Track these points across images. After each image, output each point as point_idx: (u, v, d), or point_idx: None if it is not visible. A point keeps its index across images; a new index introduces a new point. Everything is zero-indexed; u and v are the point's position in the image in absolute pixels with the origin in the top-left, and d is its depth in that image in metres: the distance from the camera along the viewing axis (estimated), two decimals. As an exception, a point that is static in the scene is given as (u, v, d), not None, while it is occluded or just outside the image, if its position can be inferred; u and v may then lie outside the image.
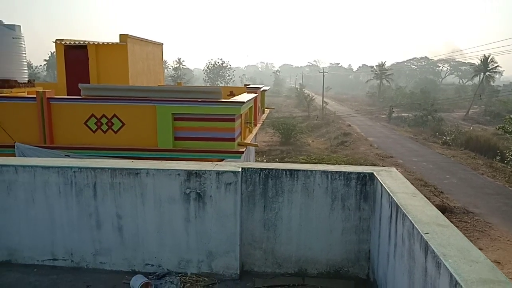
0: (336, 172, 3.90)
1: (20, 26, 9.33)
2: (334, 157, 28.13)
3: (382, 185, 3.52)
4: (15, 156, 8.13)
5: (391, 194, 3.22)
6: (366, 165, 25.53)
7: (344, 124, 46.47)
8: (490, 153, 31.75)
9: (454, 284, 1.93)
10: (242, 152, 8.87)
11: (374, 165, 26.19)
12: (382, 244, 3.50)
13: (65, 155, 8.20)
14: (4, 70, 9.10)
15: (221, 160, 8.71)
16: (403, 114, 50.57)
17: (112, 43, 13.17)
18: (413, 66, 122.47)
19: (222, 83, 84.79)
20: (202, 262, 4.00)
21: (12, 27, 9.10)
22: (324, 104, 60.13)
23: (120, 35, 13.20)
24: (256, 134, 13.04)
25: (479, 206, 19.85)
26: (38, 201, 3.97)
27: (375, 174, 3.83)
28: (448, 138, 36.47)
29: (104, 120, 8.35)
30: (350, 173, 3.90)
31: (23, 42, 9.44)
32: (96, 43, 13.17)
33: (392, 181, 3.60)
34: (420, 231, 2.49)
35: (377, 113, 57.00)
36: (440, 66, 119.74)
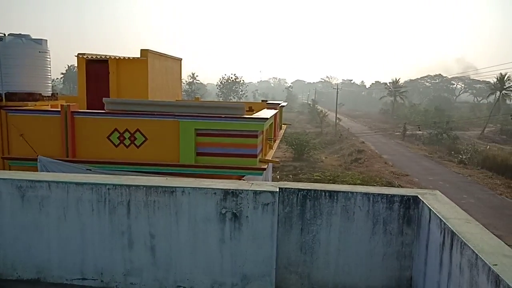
0: (378, 194, 3.75)
1: (46, 40, 9.43)
2: (349, 174, 27.82)
3: (430, 209, 3.35)
4: (37, 169, 8.11)
5: (443, 220, 3.05)
6: (382, 183, 25.18)
7: (357, 141, 46.12)
8: (508, 173, 31.13)
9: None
10: (264, 169, 8.74)
11: (390, 183, 25.82)
12: (430, 272, 3.32)
13: (87, 169, 8.17)
14: (29, 83, 9.16)
15: (242, 176, 8.60)
16: (417, 132, 50.07)
17: (133, 57, 13.28)
18: (427, 84, 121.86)
19: (235, 98, 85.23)
20: (236, 285, 3.84)
21: (39, 41, 9.20)
22: (337, 121, 59.89)
23: (141, 50, 13.32)
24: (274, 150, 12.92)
25: (499, 227, 19.33)
26: (70, 218, 3.88)
27: (420, 197, 3.66)
28: (464, 157, 35.93)
29: (127, 135, 8.31)
30: (393, 195, 3.74)
31: (48, 56, 9.52)
32: (117, 57, 13.29)
33: (440, 205, 3.43)
34: (487, 262, 2.32)
35: (391, 130, 56.56)
36: (454, 84, 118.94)
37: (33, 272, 4.02)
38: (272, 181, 17.31)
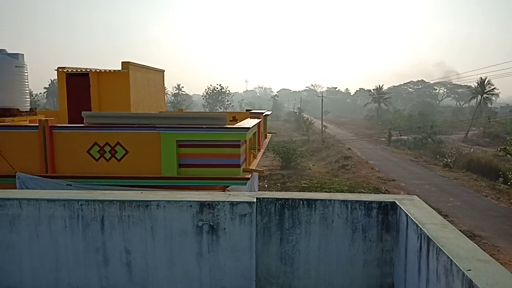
0: (356, 201, 3.72)
1: (23, 54, 9.31)
2: (336, 181, 27.90)
3: (407, 215, 3.33)
4: (16, 186, 7.93)
5: (419, 226, 3.03)
6: (369, 189, 25.30)
7: (344, 147, 46.42)
8: (492, 175, 31.61)
9: (514, 332, 1.73)
10: (248, 179, 8.68)
11: (377, 189, 25.96)
12: (410, 279, 3.29)
13: (67, 184, 8.01)
14: (6, 98, 9.02)
15: (226, 187, 8.53)
16: (402, 137, 50.64)
17: (114, 70, 13.17)
18: (410, 89, 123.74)
19: (221, 109, 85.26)
20: (216, 299, 3.76)
21: (15, 56, 9.07)
22: (323, 128, 60.25)
23: (122, 62, 13.21)
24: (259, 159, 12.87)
25: (486, 229, 19.55)
26: (43, 236, 3.76)
27: (397, 203, 3.65)
28: (449, 160, 36.40)
29: (107, 148, 8.19)
30: (371, 202, 3.71)
31: (26, 71, 9.39)
32: (98, 70, 13.16)
33: (417, 210, 3.42)
34: (461, 268, 2.30)
35: (376, 136, 57.09)
36: (436, 89, 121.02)
37: (4, 294, 3.87)
38: (259, 190, 17.22)
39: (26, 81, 9.66)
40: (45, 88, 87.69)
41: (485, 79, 61.75)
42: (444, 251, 2.56)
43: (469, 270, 2.26)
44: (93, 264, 3.77)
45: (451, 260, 2.44)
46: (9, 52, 9.18)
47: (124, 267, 3.75)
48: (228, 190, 8.26)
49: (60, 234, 3.75)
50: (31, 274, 3.81)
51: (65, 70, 12.91)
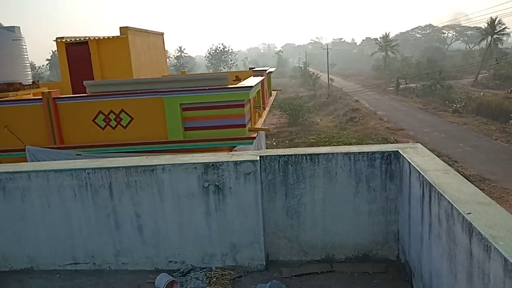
0: (359, 152, 3.73)
1: (19, 27, 9.16)
2: (344, 134, 27.86)
3: (410, 163, 3.34)
4: (26, 159, 8.07)
5: (421, 173, 3.04)
6: (378, 140, 25.26)
7: (351, 100, 45.93)
8: (502, 117, 31.19)
9: (510, 270, 1.77)
10: (254, 138, 8.70)
11: (386, 139, 25.91)
12: (414, 225, 3.34)
13: (76, 155, 8.12)
14: (7, 73, 8.97)
15: (233, 147, 8.58)
16: (411, 85, 49.79)
17: (113, 36, 12.96)
18: (418, 35, 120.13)
19: (225, 68, 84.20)
20: (226, 255, 3.89)
21: (11, 29, 8.93)
22: (330, 81, 59.41)
23: (120, 27, 12.97)
24: (265, 118, 12.85)
25: (495, 172, 19.56)
26: (54, 206, 3.87)
27: (401, 152, 3.65)
28: (458, 105, 35.91)
29: (112, 116, 8.21)
30: (373, 152, 3.72)
31: (24, 44, 9.27)
32: (96, 38, 12.97)
33: (420, 158, 3.42)
34: (461, 212, 2.32)
35: (384, 86, 56.25)
36: (445, 33, 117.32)
37: (25, 262, 4.05)
38: (267, 148, 17.32)
39: (26, 54, 9.57)
40: (47, 60, 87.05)
41: (496, 18, 59.58)
42: (445, 196, 2.58)
43: (469, 213, 2.29)
44: (105, 229, 3.90)
45: (451, 205, 2.47)
46: (4, 25, 9.04)
47: (135, 230, 3.87)
48: (235, 151, 8.32)
49: (71, 203, 3.85)
50: (47, 242, 3.97)
51: (64, 40, 12.75)
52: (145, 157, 4.11)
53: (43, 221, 3.91)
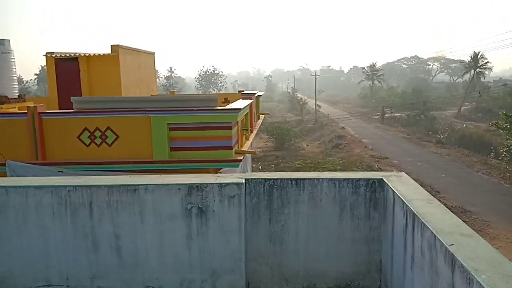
0: (344, 179, 3.74)
1: (9, 40, 9.10)
2: (330, 160, 28.00)
3: (394, 191, 3.35)
4: (6, 174, 7.87)
5: (405, 202, 3.05)
6: (362, 167, 25.45)
7: (338, 126, 46.43)
8: (484, 150, 31.83)
9: (492, 304, 1.76)
10: (240, 161, 8.67)
11: (370, 167, 26.11)
12: (396, 255, 3.33)
13: (58, 171, 7.96)
14: (-7, 86, 8.86)
15: (219, 169, 8.52)
16: (396, 114, 50.68)
17: (104, 54, 12.97)
18: (404, 66, 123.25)
19: (214, 90, 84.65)
20: (206, 281, 3.79)
21: (1, 42, 8.87)
22: (317, 107, 60.11)
23: (111, 45, 13.00)
24: (252, 141, 12.86)
25: (476, 204, 19.79)
26: (31, 223, 3.75)
27: (385, 180, 3.66)
28: (441, 136, 36.55)
29: (97, 134, 8.11)
30: (358, 180, 3.73)
31: (12, 57, 9.20)
32: (87, 54, 12.95)
33: (404, 186, 3.44)
34: (444, 243, 2.32)
35: (370, 114, 57.14)
36: (430, 65, 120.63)
37: (-5, 282, 3.88)
38: (252, 171, 17.28)
39: (14, 67, 9.48)
40: (35, 74, 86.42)
41: (478, 53, 61.57)
42: (428, 226, 2.58)
43: (452, 244, 2.29)
44: (82, 250, 3.78)
45: (435, 236, 2.47)
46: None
47: (114, 252, 3.76)
48: (220, 173, 8.27)
49: (48, 220, 3.74)
50: (20, 261, 3.82)
51: (54, 55, 12.70)
52: (128, 176, 4.04)
53: (18, 239, 3.78)
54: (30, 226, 3.75)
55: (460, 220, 2.72)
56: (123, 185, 3.68)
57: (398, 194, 3.24)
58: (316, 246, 3.81)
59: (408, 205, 2.99)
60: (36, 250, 3.78)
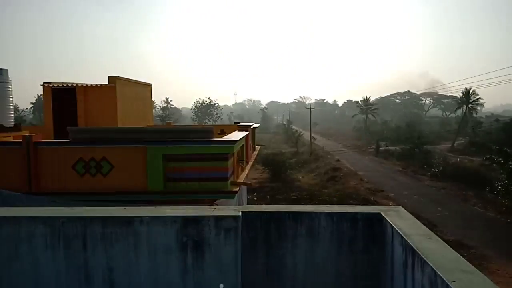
0: (342, 213, 3.71)
1: (7, 70, 9.21)
2: (325, 192, 27.91)
3: (392, 226, 3.32)
4: (-2, 203, 7.74)
5: (404, 237, 3.02)
6: (358, 200, 25.33)
7: (333, 159, 46.58)
8: (479, 184, 31.87)
9: None
10: (236, 192, 8.63)
11: (366, 200, 26.01)
12: (396, 291, 3.26)
13: (52, 201, 7.86)
14: (-11, 114, 8.88)
15: (215, 200, 8.46)
16: (390, 148, 51.03)
17: (101, 84, 13.10)
18: (397, 100, 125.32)
19: (210, 122, 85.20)
20: (201, 316, 3.68)
21: (-1, 71, 8.98)
22: (312, 140, 60.48)
23: (109, 76, 13.16)
24: (248, 172, 12.83)
25: (474, 238, 19.66)
26: (23, 256, 3.65)
27: (383, 215, 3.64)
28: (436, 170, 36.66)
29: (92, 164, 8.08)
30: (356, 213, 3.70)
31: (10, 86, 9.29)
32: (84, 85, 13.08)
33: (402, 221, 3.41)
34: (445, 280, 2.28)
35: (365, 147, 57.51)
36: (423, 100, 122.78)
37: (-18, 317, 3.74)
38: (248, 203, 17.12)
39: (11, 96, 9.55)
40: (31, 103, 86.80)
41: (470, 89, 62.86)
42: (428, 262, 2.55)
43: (453, 281, 2.25)
44: (75, 283, 3.67)
45: (435, 272, 2.43)
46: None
47: (107, 286, 3.66)
48: (216, 204, 8.19)
49: (41, 253, 3.65)
50: (10, 295, 3.70)
51: (51, 85, 12.81)
52: (123, 207, 3.99)
53: (8, 273, 3.67)
54: (22, 258, 3.66)
55: (460, 256, 2.69)
56: (118, 217, 3.62)
57: (397, 229, 3.22)
58: (314, 281, 3.73)
59: (407, 240, 2.97)
60: (27, 284, 3.67)
